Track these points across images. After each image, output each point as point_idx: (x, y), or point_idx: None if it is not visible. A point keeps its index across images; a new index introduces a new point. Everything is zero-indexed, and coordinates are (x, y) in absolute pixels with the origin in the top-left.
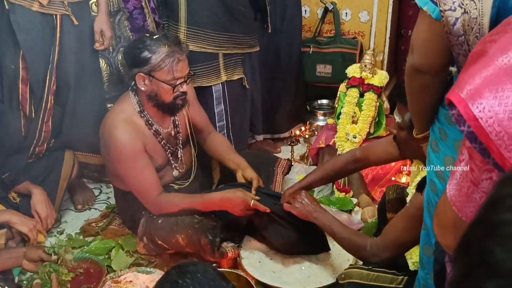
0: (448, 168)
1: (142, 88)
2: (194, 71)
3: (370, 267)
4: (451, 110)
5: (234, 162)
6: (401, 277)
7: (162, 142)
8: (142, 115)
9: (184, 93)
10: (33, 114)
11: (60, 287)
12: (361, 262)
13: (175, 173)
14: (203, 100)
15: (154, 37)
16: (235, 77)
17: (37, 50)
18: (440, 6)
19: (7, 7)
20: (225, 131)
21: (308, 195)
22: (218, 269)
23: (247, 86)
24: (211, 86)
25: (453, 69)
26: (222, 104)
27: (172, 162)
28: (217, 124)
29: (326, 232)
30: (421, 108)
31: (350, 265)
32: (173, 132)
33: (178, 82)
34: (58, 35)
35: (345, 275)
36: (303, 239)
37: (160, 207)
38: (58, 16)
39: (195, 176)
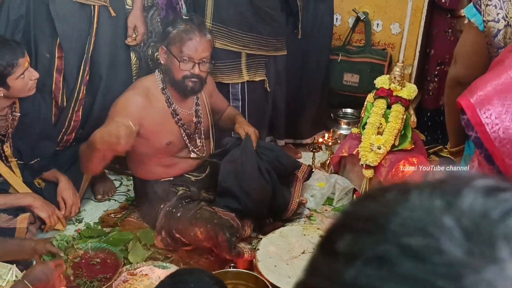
0: None
1: (162, 61)
2: (216, 67)
3: None
4: (462, 115)
5: (235, 120)
6: None
7: (180, 123)
8: (164, 92)
9: (194, 75)
10: (65, 103)
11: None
12: None
13: (193, 155)
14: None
15: (184, 17)
16: (257, 79)
17: (74, 40)
18: (483, 17)
19: None
20: None
21: None
22: (235, 269)
23: (269, 89)
24: (229, 83)
25: None
26: (240, 101)
27: (189, 145)
28: None
29: None
30: (459, 121)
31: None
32: (194, 119)
33: (185, 58)
34: (95, 26)
35: None
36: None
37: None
38: (96, 6)
39: (210, 171)
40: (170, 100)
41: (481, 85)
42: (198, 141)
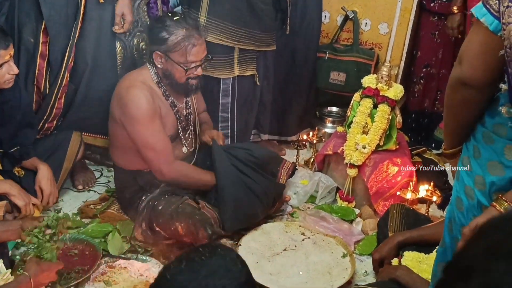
0: (477, 187)
1: (159, 66)
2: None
3: (377, 287)
4: None
5: (201, 127)
6: None
7: (177, 115)
8: (160, 85)
9: (198, 76)
10: (48, 90)
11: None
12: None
13: (184, 149)
14: (209, 89)
15: (175, 18)
16: (248, 73)
17: (60, 25)
18: (502, 19)
19: None
20: (229, 123)
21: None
22: None
23: (258, 83)
24: (220, 78)
25: (503, 86)
26: (230, 97)
27: (182, 137)
28: (220, 114)
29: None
30: (458, 123)
31: (356, 285)
32: (185, 112)
33: (192, 65)
34: (82, 12)
35: None
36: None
37: (173, 171)
38: None
39: (195, 162)
40: (166, 93)
41: None
42: (188, 133)
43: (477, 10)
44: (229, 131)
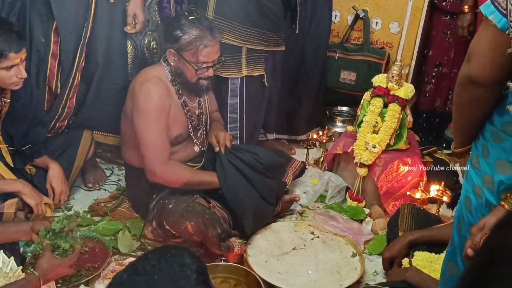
0: (486, 186)
1: (172, 63)
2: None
3: (387, 287)
4: None
5: (210, 127)
6: None
7: (188, 114)
8: (174, 83)
9: (210, 77)
10: (59, 89)
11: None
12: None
13: (196, 148)
14: (218, 90)
15: (190, 17)
16: (256, 73)
17: (71, 25)
18: (510, 17)
19: None
20: (238, 124)
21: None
22: (225, 263)
23: (266, 84)
24: (228, 78)
25: (511, 84)
26: (238, 98)
27: (193, 137)
28: (229, 115)
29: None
30: (468, 121)
31: (366, 284)
32: (197, 112)
33: (203, 66)
34: (92, 12)
35: None
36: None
37: (166, 171)
38: None
39: (204, 162)
40: (180, 91)
41: None
42: (199, 133)
43: (485, 7)
44: (237, 132)
